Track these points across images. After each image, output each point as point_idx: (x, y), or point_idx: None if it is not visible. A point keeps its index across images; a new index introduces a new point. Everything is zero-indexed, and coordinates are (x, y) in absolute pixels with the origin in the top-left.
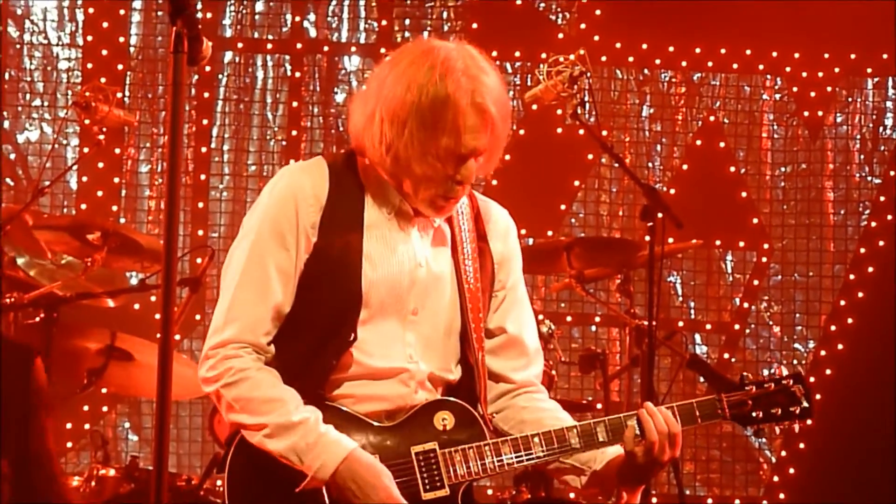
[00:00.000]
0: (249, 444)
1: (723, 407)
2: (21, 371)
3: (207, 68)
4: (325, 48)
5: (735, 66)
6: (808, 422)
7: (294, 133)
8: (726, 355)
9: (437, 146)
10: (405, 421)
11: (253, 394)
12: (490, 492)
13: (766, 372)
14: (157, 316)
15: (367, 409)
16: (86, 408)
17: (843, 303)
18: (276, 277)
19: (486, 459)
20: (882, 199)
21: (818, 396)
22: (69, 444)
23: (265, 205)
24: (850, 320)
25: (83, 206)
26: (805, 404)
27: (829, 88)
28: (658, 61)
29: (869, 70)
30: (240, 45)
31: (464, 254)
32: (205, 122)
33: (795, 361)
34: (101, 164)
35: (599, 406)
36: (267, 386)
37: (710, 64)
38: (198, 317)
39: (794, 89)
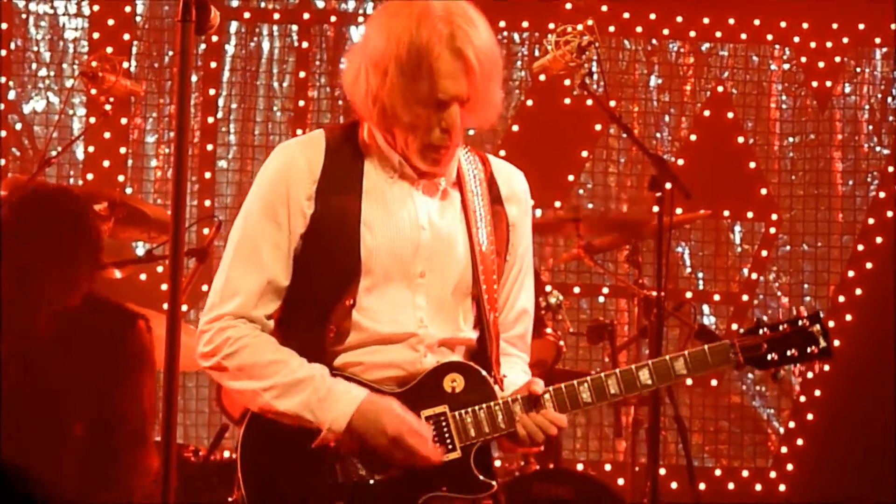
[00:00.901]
0: (261, 422)
1: (736, 351)
2: (114, 336)
3: (214, 38)
4: (333, 18)
5: (743, 36)
6: (825, 367)
7: (301, 103)
8: (734, 326)
9: (417, 92)
10: (414, 386)
11: (254, 359)
12: (498, 462)
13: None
14: (164, 287)
15: (377, 377)
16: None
17: (851, 273)
18: (268, 252)
19: (497, 419)
20: (890, 169)
21: (826, 367)
22: None
23: (258, 183)
24: (858, 291)
25: (89, 177)
26: (823, 344)
27: (837, 58)
28: (666, 31)
29: (877, 40)
30: (247, 14)
31: (476, 216)
32: (211, 92)
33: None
34: (107, 135)
35: None
36: (267, 349)
37: (718, 34)
38: (204, 287)
39: (803, 59)
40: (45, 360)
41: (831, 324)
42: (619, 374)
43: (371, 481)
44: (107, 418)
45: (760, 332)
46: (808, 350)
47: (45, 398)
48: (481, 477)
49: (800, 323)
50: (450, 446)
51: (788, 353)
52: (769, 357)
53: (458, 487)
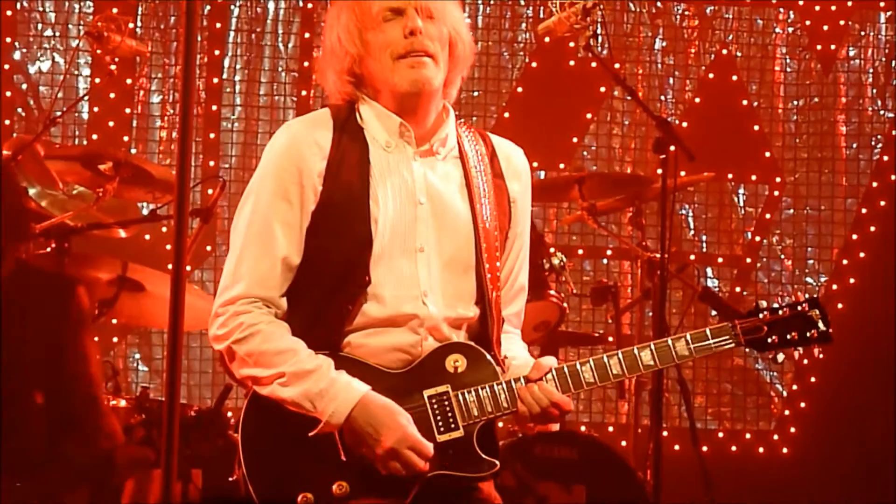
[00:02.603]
0: (263, 401)
1: (736, 333)
2: (54, 302)
3: None
4: None
5: None
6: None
7: (306, 64)
8: (738, 289)
9: (372, 19)
10: (416, 367)
11: (265, 346)
12: (500, 424)
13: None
14: (169, 247)
15: (379, 360)
16: (96, 339)
17: (854, 236)
18: (280, 231)
19: (500, 399)
20: (894, 132)
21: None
22: None
23: (266, 161)
24: (861, 254)
25: (94, 137)
26: (822, 328)
27: (841, 22)
28: None
29: (882, 3)
30: None
31: (479, 192)
32: (217, 52)
33: (807, 296)
34: (112, 95)
35: (611, 339)
36: (278, 338)
37: None
38: (209, 248)
39: (807, 23)
40: None
41: (834, 286)
42: (622, 354)
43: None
44: (61, 384)
45: (761, 315)
46: (808, 334)
47: (4, 372)
48: (484, 456)
49: (799, 307)
50: (452, 426)
51: (788, 336)
52: (769, 340)
53: (460, 466)
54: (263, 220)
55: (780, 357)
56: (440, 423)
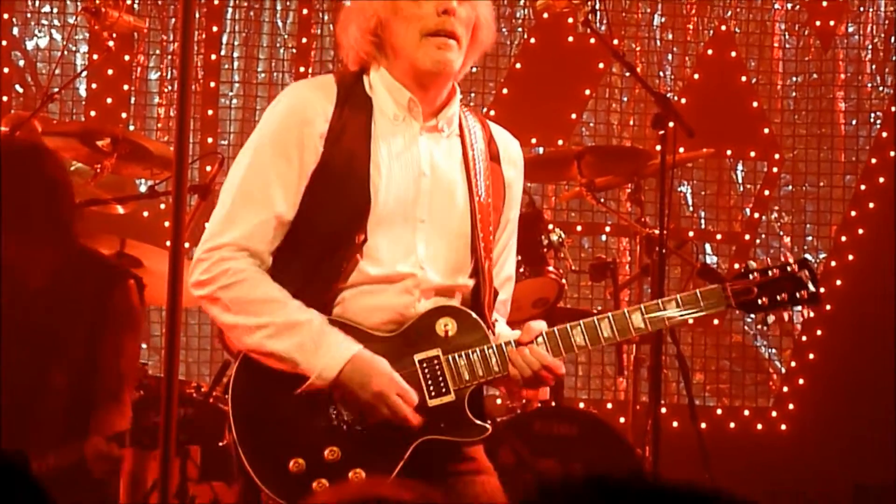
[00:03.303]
0: (253, 364)
1: (727, 295)
2: (97, 291)
3: None
4: None
5: None
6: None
7: (304, 41)
8: (736, 265)
9: None
10: (407, 330)
11: (252, 294)
12: (499, 401)
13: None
14: (167, 223)
15: (371, 322)
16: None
17: (853, 213)
18: (277, 187)
19: (491, 363)
20: (893, 109)
21: (828, 307)
22: None
23: (268, 119)
24: (860, 231)
25: (92, 113)
26: (812, 288)
27: None
28: None
29: None
30: None
31: (476, 169)
32: (215, 29)
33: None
34: (110, 71)
35: None
36: (267, 286)
37: None
38: (207, 224)
39: None
40: (35, 312)
41: (833, 263)
42: (612, 317)
43: (365, 424)
44: (86, 373)
45: (750, 276)
46: (798, 294)
47: (31, 347)
48: (476, 420)
49: (788, 268)
50: (443, 390)
51: (778, 297)
52: (759, 301)
53: (452, 431)
54: (261, 175)
55: (771, 318)
56: (431, 388)
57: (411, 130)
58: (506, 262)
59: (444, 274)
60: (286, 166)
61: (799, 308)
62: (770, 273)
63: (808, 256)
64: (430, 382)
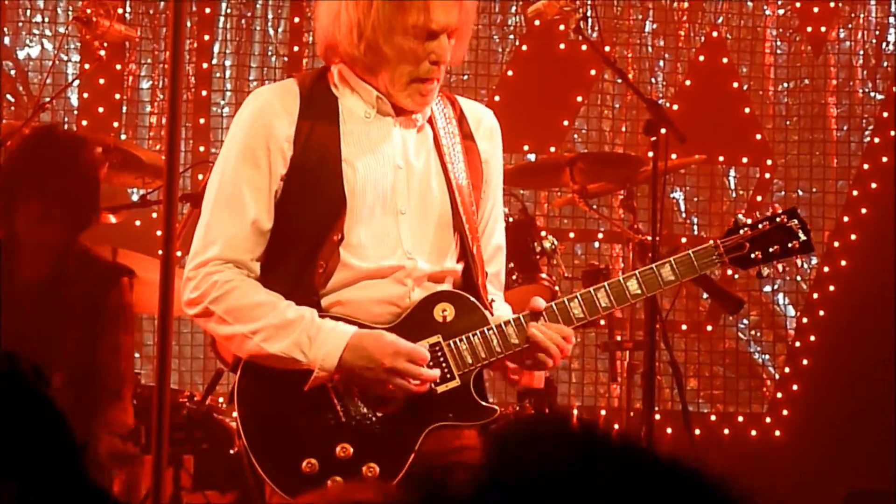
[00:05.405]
0: (255, 370)
1: (720, 252)
2: (94, 289)
3: None
4: None
5: None
6: (808, 262)
7: (296, 49)
8: (729, 272)
9: (406, 22)
10: (405, 319)
11: (243, 301)
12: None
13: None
14: (159, 232)
15: (367, 315)
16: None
17: (846, 219)
18: (249, 195)
19: (493, 344)
20: (885, 114)
21: (822, 313)
22: None
23: (234, 129)
24: (853, 236)
25: (84, 123)
26: (803, 237)
27: (832, 4)
28: None
29: None
30: None
31: (450, 152)
32: (206, 37)
33: (799, 278)
34: (102, 81)
35: (602, 322)
36: (255, 292)
37: None
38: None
39: (797, 4)
40: (33, 307)
41: (826, 269)
42: (608, 285)
43: (374, 418)
44: (85, 372)
45: (741, 231)
46: (790, 245)
47: (28, 344)
48: (483, 403)
49: (778, 219)
50: (448, 375)
51: (770, 249)
52: (752, 255)
53: (462, 416)
54: (232, 185)
55: (766, 272)
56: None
57: (384, 124)
58: (493, 232)
59: (433, 261)
60: (255, 172)
61: (791, 257)
62: (760, 226)
63: (794, 207)
64: (433, 368)
